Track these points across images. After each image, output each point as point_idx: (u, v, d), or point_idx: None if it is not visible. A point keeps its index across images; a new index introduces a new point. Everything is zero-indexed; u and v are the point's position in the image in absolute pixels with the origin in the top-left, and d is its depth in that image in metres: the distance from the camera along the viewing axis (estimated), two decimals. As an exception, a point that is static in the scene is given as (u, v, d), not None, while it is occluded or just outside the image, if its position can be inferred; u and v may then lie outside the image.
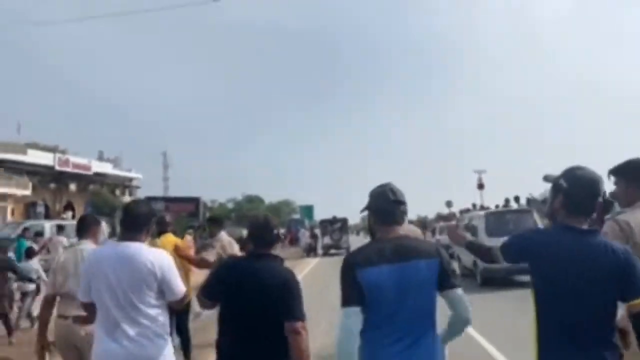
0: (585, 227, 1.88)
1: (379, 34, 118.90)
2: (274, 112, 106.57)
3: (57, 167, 29.30)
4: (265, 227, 2.43)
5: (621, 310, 1.84)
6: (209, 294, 2.39)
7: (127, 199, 33.85)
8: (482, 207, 16.75)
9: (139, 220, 2.56)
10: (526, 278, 2.80)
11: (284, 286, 2.28)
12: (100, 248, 2.86)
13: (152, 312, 2.45)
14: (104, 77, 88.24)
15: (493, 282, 9.50)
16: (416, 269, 1.97)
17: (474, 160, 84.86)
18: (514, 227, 9.82)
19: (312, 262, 20.15)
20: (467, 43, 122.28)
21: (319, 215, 32.19)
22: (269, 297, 2.25)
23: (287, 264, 2.60)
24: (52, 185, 29.87)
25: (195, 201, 22.01)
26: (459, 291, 2.04)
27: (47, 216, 26.63)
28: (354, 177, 74.65)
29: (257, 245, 2.42)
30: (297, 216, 42.36)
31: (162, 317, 2.50)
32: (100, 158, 37.29)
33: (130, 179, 37.73)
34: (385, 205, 2.09)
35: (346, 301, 1.93)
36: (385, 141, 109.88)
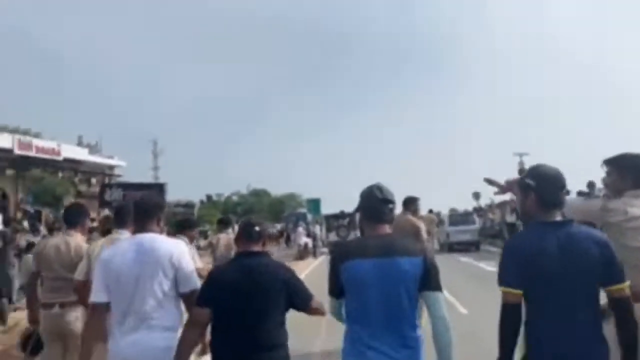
0: (559, 219, 2.02)
1: (385, 25, 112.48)
2: (282, 104, 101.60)
3: (17, 151, 25.03)
4: (246, 226, 2.56)
5: None
6: (203, 301, 2.40)
7: (94, 188, 29.17)
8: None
9: (150, 211, 2.63)
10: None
11: (280, 282, 2.40)
12: (117, 244, 2.82)
13: (170, 304, 2.48)
14: (91, 54, 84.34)
15: (449, 248, 19.17)
16: (398, 265, 2.04)
17: (514, 142, 75.62)
18: (463, 221, 19.68)
19: (303, 270, 15.41)
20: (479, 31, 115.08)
21: (328, 210, 28.53)
22: (263, 293, 2.36)
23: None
24: (10, 172, 25.62)
25: (158, 187, 17.50)
26: (439, 294, 2.08)
27: (4, 207, 22.57)
28: (367, 170, 69.88)
29: (243, 244, 2.55)
30: (303, 210, 38.09)
31: (177, 310, 2.53)
32: (80, 144, 33.31)
33: (112, 167, 33.62)
34: (373, 203, 2.20)
35: (330, 291, 2.21)
36: (403, 131, 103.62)
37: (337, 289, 2.14)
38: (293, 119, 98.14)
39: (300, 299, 2.44)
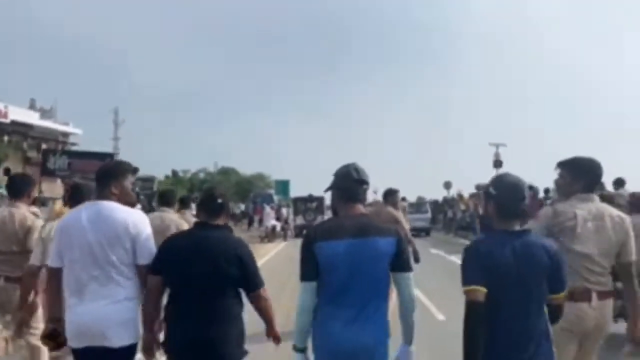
0: (517, 228, 2.09)
1: (368, 19, 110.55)
2: (255, 83, 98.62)
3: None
4: (208, 197, 2.52)
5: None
6: (154, 269, 2.37)
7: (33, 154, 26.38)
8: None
9: (103, 177, 2.51)
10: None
11: (235, 257, 2.32)
12: (75, 209, 2.71)
13: (127, 273, 2.39)
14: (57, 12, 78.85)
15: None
16: (372, 245, 2.08)
17: (491, 133, 73.87)
18: (417, 210, 22.13)
19: (267, 254, 14.36)
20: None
21: (296, 193, 27.56)
22: (217, 266, 2.29)
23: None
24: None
25: (108, 157, 15.88)
26: (410, 275, 2.16)
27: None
28: (339, 154, 68.75)
29: (203, 215, 2.50)
30: (271, 191, 36.93)
31: (135, 280, 2.43)
32: (32, 107, 30.77)
33: (66, 134, 31.34)
34: (349, 184, 2.20)
35: (303, 276, 2.12)
36: (377, 118, 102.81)
37: (313, 271, 2.09)
38: (268, 100, 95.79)
39: (249, 281, 2.37)
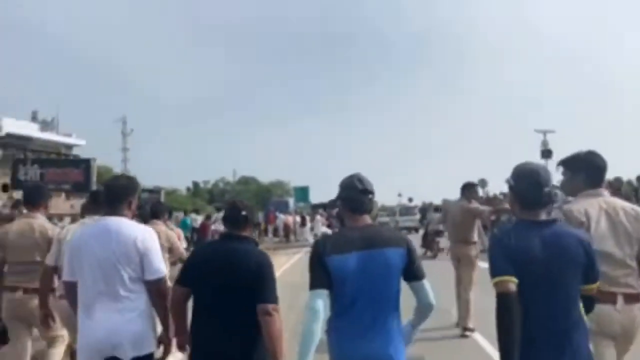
0: (543, 217, 2.01)
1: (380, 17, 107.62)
2: (270, 90, 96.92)
3: (-56, 123, 21.13)
4: (232, 209, 2.51)
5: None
6: (182, 280, 2.42)
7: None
8: (555, 186, 10.00)
9: (119, 194, 2.56)
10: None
11: (256, 268, 2.32)
12: (86, 225, 2.94)
13: (137, 288, 2.43)
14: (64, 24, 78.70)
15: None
16: (382, 257, 2.09)
17: (537, 119, 67.62)
18: (408, 212, 27.80)
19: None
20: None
21: (317, 199, 27.62)
22: (240, 278, 2.28)
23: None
24: None
25: (84, 164, 13.72)
26: (425, 282, 2.18)
27: None
28: (362, 159, 65.78)
29: (228, 227, 2.52)
30: (289, 199, 34.78)
31: (145, 294, 2.46)
32: (34, 119, 29.42)
33: (69, 146, 29.71)
34: (353, 194, 2.21)
35: (313, 284, 2.09)
36: (406, 116, 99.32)
37: (324, 280, 2.07)
38: (284, 106, 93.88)
39: (261, 292, 2.29)
